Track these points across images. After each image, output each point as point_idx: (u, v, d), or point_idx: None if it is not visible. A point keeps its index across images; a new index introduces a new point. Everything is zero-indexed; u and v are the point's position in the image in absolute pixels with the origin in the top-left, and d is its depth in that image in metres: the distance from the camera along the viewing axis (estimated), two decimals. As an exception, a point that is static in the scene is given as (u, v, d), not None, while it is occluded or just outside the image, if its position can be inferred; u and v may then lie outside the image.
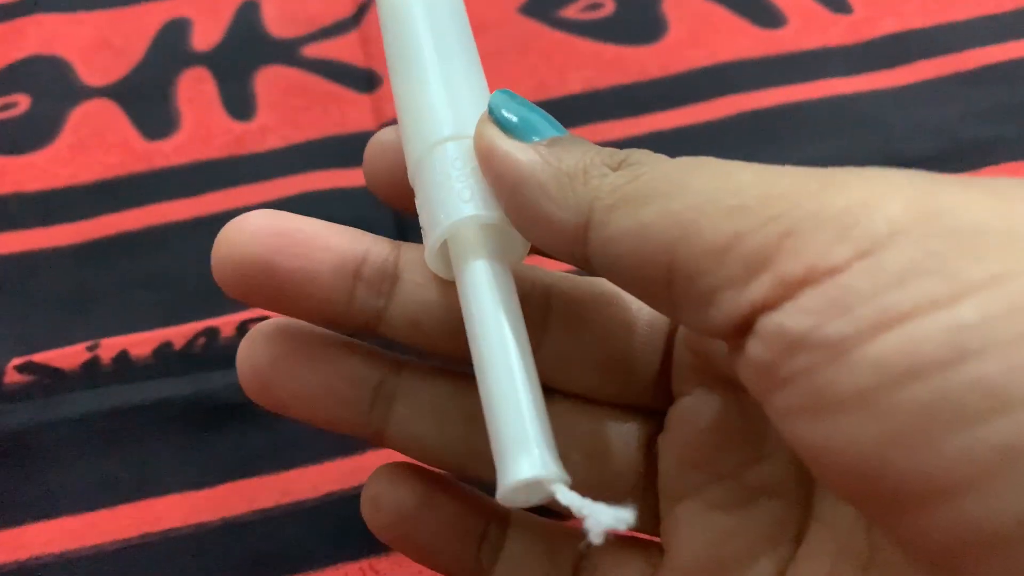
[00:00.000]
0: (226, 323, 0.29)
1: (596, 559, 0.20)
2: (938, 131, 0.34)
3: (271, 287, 0.19)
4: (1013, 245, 0.12)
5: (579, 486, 0.16)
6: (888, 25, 0.38)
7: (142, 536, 0.25)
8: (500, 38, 0.38)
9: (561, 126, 0.18)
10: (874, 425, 0.12)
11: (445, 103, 0.19)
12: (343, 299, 0.19)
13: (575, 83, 0.37)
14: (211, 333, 0.29)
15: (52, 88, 0.38)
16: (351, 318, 0.19)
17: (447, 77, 0.20)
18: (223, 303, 0.30)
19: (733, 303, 0.14)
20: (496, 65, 0.37)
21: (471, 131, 0.18)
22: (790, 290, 0.13)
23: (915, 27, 0.38)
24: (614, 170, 0.16)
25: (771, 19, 0.38)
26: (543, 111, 0.18)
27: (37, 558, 0.25)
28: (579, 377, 0.21)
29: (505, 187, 0.17)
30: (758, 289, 0.13)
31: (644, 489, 0.20)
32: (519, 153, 0.17)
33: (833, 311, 0.13)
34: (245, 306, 0.30)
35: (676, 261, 0.15)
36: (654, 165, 0.16)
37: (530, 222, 0.17)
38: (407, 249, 0.20)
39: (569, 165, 0.17)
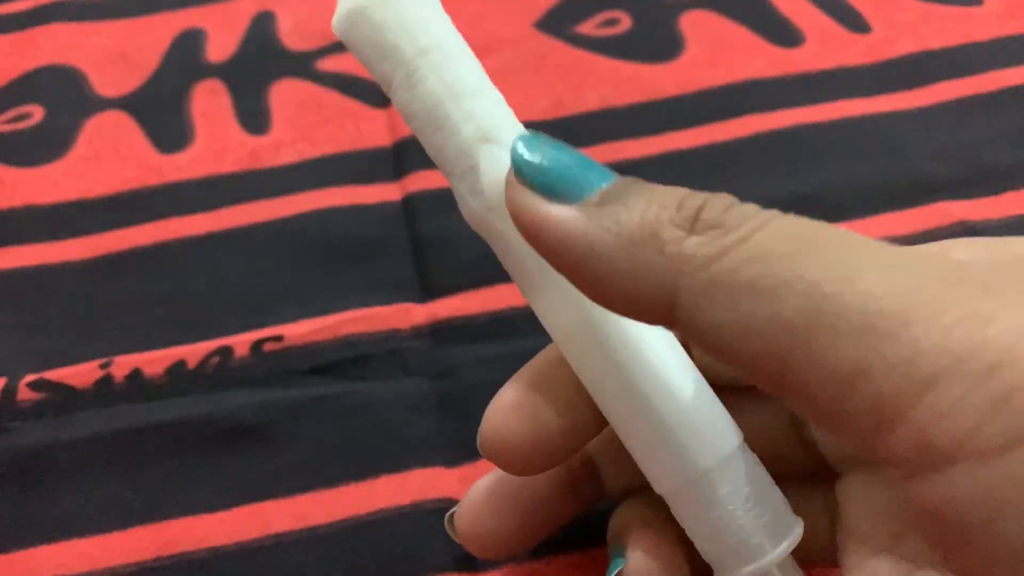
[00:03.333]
0: (240, 342, 0.29)
1: None
2: (959, 155, 0.33)
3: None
4: None
5: None
6: (907, 45, 0.38)
7: (156, 559, 0.25)
8: (516, 55, 0.38)
9: (601, 166, 0.16)
10: None
11: (699, 424, 0.18)
12: None
13: (592, 100, 0.36)
14: (225, 352, 0.29)
15: (66, 99, 0.38)
16: None
17: (688, 399, 0.18)
18: (237, 321, 0.30)
19: (860, 443, 0.13)
20: (512, 82, 0.37)
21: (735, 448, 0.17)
22: (936, 462, 0.12)
23: (934, 47, 0.37)
24: (690, 231, 0.14)
25: (789, 38, 0.38)
26: (574, 151, 0.16)
27: (49, 581, 0.25)
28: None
29: (563, 265, 0.15)
30: (895, 444, 0.12)
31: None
32: (570, 223, 0.14)
33: (992, 504, 0.11)
34: (259, 324, 0.30)
35: (788, 375, 0.13)
36: (745, 231, 0.13)
37: (604, 299, 0.15)
38: None
39: (633, 228, 0.14)
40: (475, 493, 0.21)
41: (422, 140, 0.19)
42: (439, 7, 0.19)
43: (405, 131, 0.35)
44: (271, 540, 0.25)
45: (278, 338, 0.29)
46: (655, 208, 0.14)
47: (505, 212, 0.17)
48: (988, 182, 0.33)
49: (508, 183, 0.16)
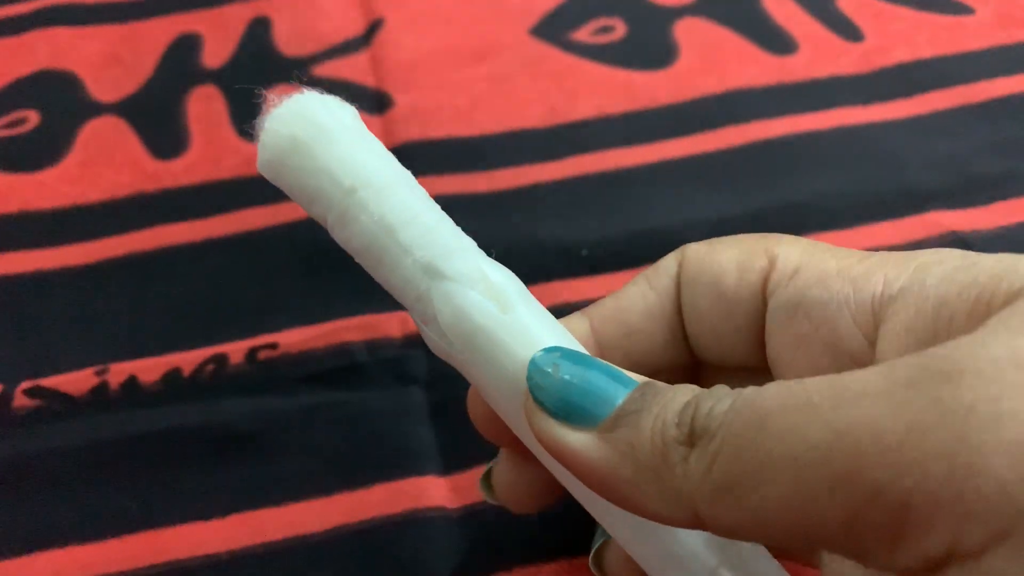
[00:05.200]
0: (235, 350, 0.29)
1: None
2: (950, 164, 0.34)
3: None
4: None
5: None
6: (900, 54, 0.38)
7: (150, 567, 0.25)
8: (510, 61, 0.38)
9: (614, 377, 0.17)
10: None
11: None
12: None
13: (586, 108, 0.37)
14: (220, 360, 0.29)
15: (61, 104, 0.38)
16: None
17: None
18: (232, 329, 0.30)
19: (878, 566, 0.14)
20: (506, 89, 0.37)
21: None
22: (937, 566, 0.13)
23: (927, 56, 0.38)
24: (690, 444, 0.15)
25: (782, 46, 0.38)
26: (586, 365, 0.17)
27: (44, 588, 0.25)
28: None
29: (596, 487, 0.16)
30: (902, 560, 0.13)
31: None
32: (590, 451, 0.16)
33: None
34: (254, 332, 0.30)
35: (806, 538, 0.14)
36: (721, 432, 0.14)
37: (632, 510, 0.16)
38: None
39: (645, 453, 0.15)
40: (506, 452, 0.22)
41: (370, 274, 0.19)
42: (363, 138, 0.19)
43: (401, 138, 0.36)
44: (264, 548, 0.25)
45: (273, 346, 0.29)
46: (660, 425, 0.15)
47: (466, 352, 0.18)
48: (979, 192, 0.33)
49: (526, 406, 0.17)
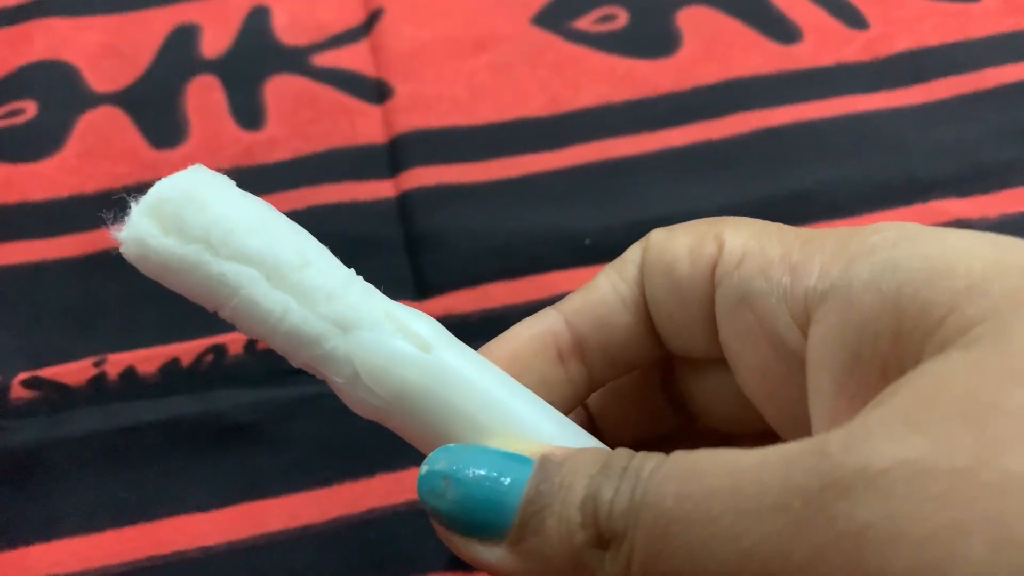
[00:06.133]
0: (233, 340, 0.29)
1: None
2: (956, 152, 0.33)
3: None
4: None
5: None
6: (905, 42, 0.37)
7: (148, 559, 0.25)
8: (512, 50, 0.38)
9: (505, 460, 0.16)
10: None
11: None
12: None
13: (588, 97, 0.36)
14: (219, 350, 0.29)
15: (59, 94, 0.37)
16: None
17: None
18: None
19: None
20: (508, 78, 0.37)
21: None
22: None
23: (932, 44, 0.37)
24: (604, 548, 0.15)
25: (787, 34, 0.38)
26: (477, 456, 0.16)
27: (42, 580, 0.24)
28: None
29: None
30: None
31: None
32: (507, 565, 0.15)
33: None
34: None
35: None
36: (630, 536, 0.14)
37: None
38: None
39: (559, 561, 0.15)
40: None
41: (275, 341, 0.17)
42: (219, 201, 0.17)
43: (401, 127, 0.35)
44: (264, 539, 0.25)
45: (272, 336, 0.29)
46: (566, 529, 0.15)
47: (395, 405, 0.17)
48: (984, 180, 0.32)
49: (434, 527, 0.17)
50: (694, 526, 0.13)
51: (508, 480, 0.16)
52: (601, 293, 0.20)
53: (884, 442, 0.12)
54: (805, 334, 0.17)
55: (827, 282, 0.16)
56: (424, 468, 0.16)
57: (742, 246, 0.18)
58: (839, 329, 0.16)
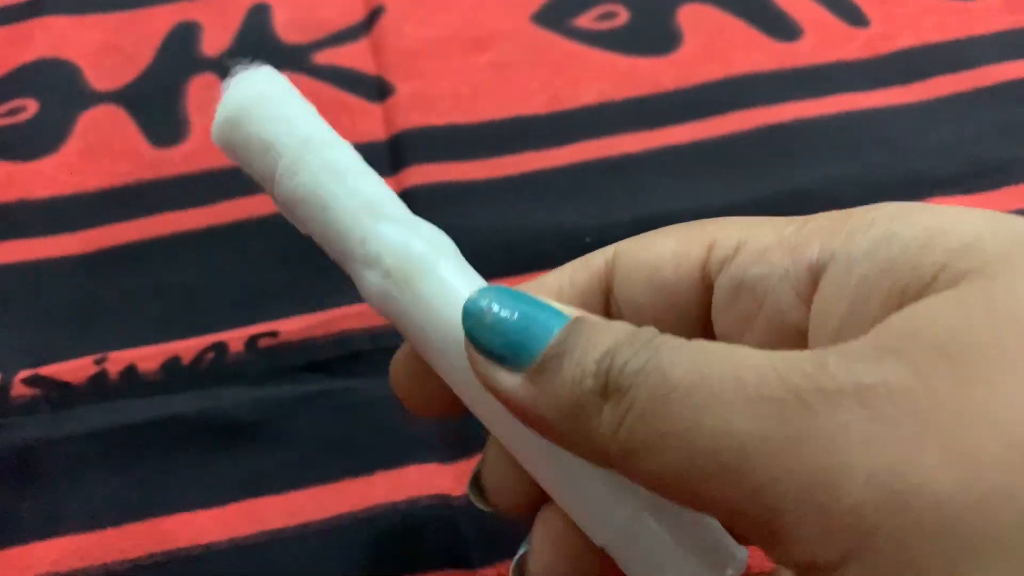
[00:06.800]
0: (235, 338, 0.29)
1: None
2: (956, 150, 0.33)
3: None
4: (1002, 543, 0.12)
5: None
6: (905, 39, 0.37)
7: (149, 556, 0.25)
8: (513, 48, 0.38)
9: (547, 315, 0.17)
10: None
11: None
12: None
13: (588, 95, 0.36)
14: (220, 348, 0.29)
15: (60, 92, 0.38)
16: None
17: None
18: (232, 317, 0.30)
19: (764, 550, 0.15)
20: (508, 76, 0.37)
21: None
22: (806, 574, 0.14)
23: (933, 41, 0.37)
24: (604, 397, 0.16)
25: (787, 32, 0.38)
26: (522, 303, 0.17)
27: (43, 577, 0.24)
28: None
29: (532, 427, 0.17)
30: (783, 558, 0.14)
31: None
32: (519, 393, 0.17)
33: None
34: (254, 320, 0.30)
35: (702, 509, 0.15)
36: (633, 392, 0.15)
37: (569, 450, 0.17)
38: None
39: (564, 400, 0.16)
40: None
41: (310, 226, 0.20)
42: (309, 104, 0.21)
43: (402, 125, 0.35)
44: (265, 536, 0.25)
45: (273, 334, 0.29)
46: (579, 374, 0.16)
47: (408, 293, 0.19)
48: (985, 177, 0.32)
49: (466, 347, 0.18)
50: (693, 396, 0.15)
51: (544, 321, 0.17)
52: (548, 292, 0.20)
53: (872, 364, 0.14)
54: (809, 308, 0.17)
55: (828, 253, 0.17)
56: (473, 296, 0.18)
57: (735, 239, 0.19)
58: (838, 294, 0.16)
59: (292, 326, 0.29)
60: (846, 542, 0.13)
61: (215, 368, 0.28)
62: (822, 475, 0.13)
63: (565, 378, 0.16)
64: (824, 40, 0.38)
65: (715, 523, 0.19)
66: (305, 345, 0.29)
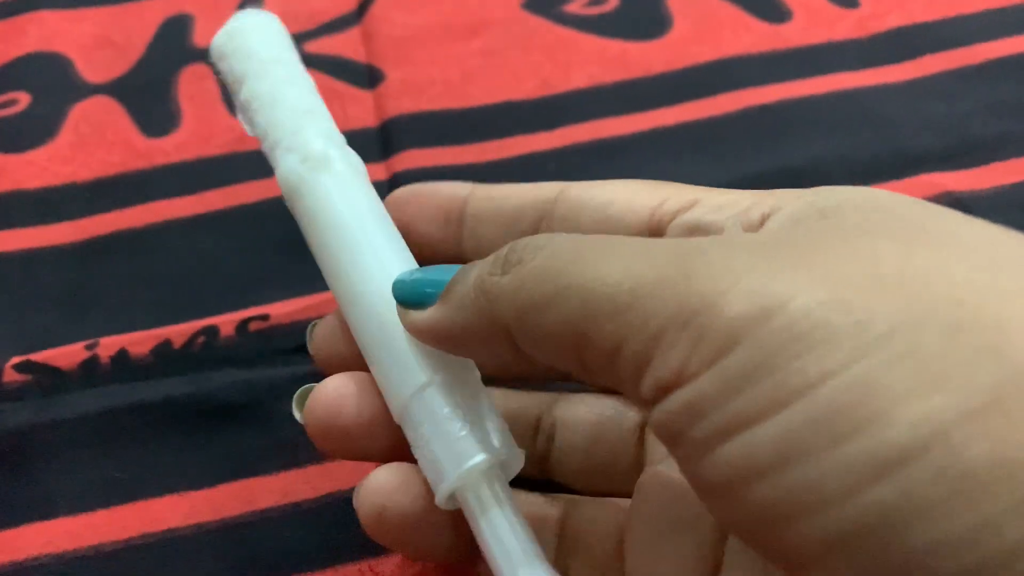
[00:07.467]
0: (225, 322, 0.29)
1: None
2: (946, 127, 0.33)
3: None
4: (839, 339, 0.13)
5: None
6: (895, 19, 0.37)
7: (141, 536, 0.25)
8: (503, 34, 0.38)
9: (448, 270, 0.19)
10: (738, 511, 0.14)
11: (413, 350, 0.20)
12: None
13: (579, 79, 0.36)
14: (210, 332, 0.29)
15: (52, 85, 0.38)
16: None
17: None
18: (222, 301, 0.30)
19: (633, 396, 0.16)
20: (499, 62, 0.37)
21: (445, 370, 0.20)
22: (665, 393, 0.15)
23: (922, 20, 0.37)
24: (503, 273, 0.17)
25: (776, 14, 0.38)
26: (431, 270, 0.20)
27: (35, 559, 0.25)
28: None
29: (445, 347, 0.19)
30: (646, 390, 0.15)
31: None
32: (434, 317, 0.19)
33: (695, 416, 0.14)
34: (244, 305, 0.30)
35: (584, 360, 0.16)
36: (533, 257, 0.17)
37: (477, 357, 0.20)
38: None
39: (468, 294, 0.18)
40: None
41: (257, 119, 0.24)
42: (293, 46, 0.26)
43: (392, 112, 0.35)
44: (256, 516, 0.25)
45: (264, 317, 0.29)
46: (479, 269, 0.18)
47: (313, 173, 0.23)
48: (975, 154, 0.32)
49: (398, 312, 0.20)
50: (596, 251, 0.16)
51: (448, 271, 0.19)
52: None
53: (763, 232, 0.18)
54: None
55: (780, 208, 0.18)
56: (397, 278, 0.20)
57: (690, 196, 0.20)
58: (783, 222, 0.18)
59: (283, 309, 0.29)
60: (715, 350, 0.14)
61: (206, 352, 0.28)
62: (708, 298, 0.14)
63: (468, 278, 0.18)
64: (814, 21, 0.38)
65: (502, 420, 0.20)
66: (296, 328, 0.29)
